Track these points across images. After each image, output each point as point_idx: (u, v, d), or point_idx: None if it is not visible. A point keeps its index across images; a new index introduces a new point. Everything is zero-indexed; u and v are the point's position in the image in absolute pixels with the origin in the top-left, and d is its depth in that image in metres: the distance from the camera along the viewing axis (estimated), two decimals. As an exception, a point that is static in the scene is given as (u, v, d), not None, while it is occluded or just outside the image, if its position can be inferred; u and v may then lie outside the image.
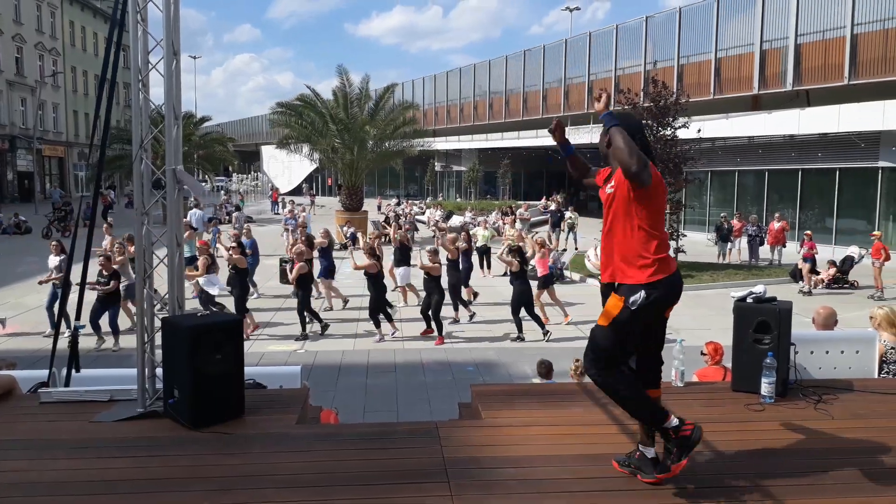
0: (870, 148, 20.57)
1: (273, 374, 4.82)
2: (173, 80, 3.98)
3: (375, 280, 11.07)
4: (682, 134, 18.01)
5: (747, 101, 26.09)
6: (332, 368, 9.76)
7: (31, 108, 42.08)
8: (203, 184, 38.73)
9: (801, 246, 16.32)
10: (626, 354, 3.01)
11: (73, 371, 4.46)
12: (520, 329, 11.25)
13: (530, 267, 12.06)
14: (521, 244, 11.89)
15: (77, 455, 3.47)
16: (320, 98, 26.33)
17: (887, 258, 15.12)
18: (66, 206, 29.56)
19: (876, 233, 16.62)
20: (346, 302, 13.68)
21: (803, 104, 23.38)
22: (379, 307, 11.20)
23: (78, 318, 4.73)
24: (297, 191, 56.73)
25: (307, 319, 11.45)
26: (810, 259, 15.77)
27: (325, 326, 11.65)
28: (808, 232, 17.39)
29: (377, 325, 11.23)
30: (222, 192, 47.42)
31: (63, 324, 6.51)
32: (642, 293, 2.80)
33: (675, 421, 2.91)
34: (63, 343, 4.70)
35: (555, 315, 12.53)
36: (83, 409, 4.04)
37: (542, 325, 11.34)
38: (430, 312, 11.29)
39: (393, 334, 11.34)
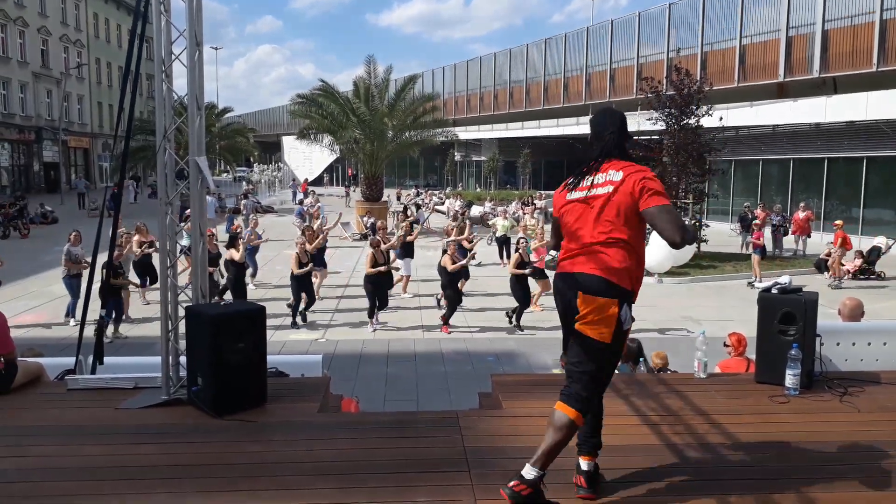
0: (899, 136, 20.17)
1: (295, 363, 4.87)
2: (196, 70, 4.00)
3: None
4: (706, 122, 17.79)
5: (772, 89, 25.66)
6: (352, 357, 9.82)
7: (57, 99, 42.63)
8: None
9: (750, 235, 16.03)
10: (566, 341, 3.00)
11: (98, 363, 4.53)
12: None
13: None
14: (524, 234, 11.97)
15: (103, 441, 3.54)
16: (338, 92, 26.38)
17: (849, 246, 15.68)
18: (20, 199, 24.89)
19: (838, 222, 16.84)
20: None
21: (830, 91, 22.94)
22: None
23: (103, 307, 4.80)
24: (318, 181, 56.97)
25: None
26: (759, 249, 15.52)
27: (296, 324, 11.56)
28: (758, 221, 17.00)
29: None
30: (244, 182, 47.75)
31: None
32: None
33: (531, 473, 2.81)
34: (88, 331, 4.78)
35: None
36: (109, 396, 4.11)
37: (520, 314, 11.36)
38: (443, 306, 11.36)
39: (374, 330, 11.34)
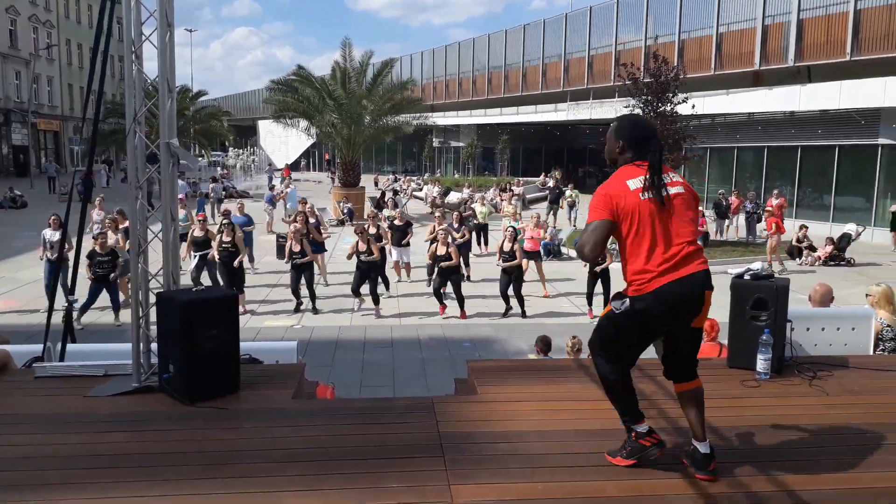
0: (870, 125, 20.46)
1: (269, 350, 4.82)
2: (167, 52, 3.91)
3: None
4: (682, 109, 17.92)
5: (748, 77, 25.88)
6: (328, 344, 9.78)
7: (26, 81, 41.66)
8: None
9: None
10: (626, 349, 3.00)
11: (70, 342, 4.45)
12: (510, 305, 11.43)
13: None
14: (513, 222, 12.07)
15: (72, 429, 3.48)
16: (314, 77, 26.07)
17: (781, 231, 15.94)
18: None
19: (769, 208, 17.20)
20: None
21: (804, 80, 23.20)
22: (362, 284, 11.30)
23: (72, 292, 4.72)
24: (294, 166, 56.46)
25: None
26: (702, 236, 15.81)
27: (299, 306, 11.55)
28: (701, 208, 17.23)
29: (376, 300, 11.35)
30: (219, 167, 47.16)
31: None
32: (626, 302, 2.94)
33: (643, 428, 2.97)
34: (57, 318, 4.69)
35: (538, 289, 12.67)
36: (78, 384, 4.04)
37: (522, 304, 11.35)
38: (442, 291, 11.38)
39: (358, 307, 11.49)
